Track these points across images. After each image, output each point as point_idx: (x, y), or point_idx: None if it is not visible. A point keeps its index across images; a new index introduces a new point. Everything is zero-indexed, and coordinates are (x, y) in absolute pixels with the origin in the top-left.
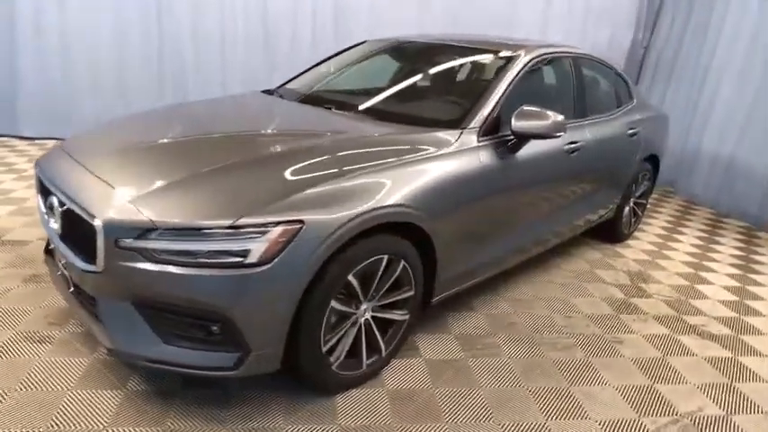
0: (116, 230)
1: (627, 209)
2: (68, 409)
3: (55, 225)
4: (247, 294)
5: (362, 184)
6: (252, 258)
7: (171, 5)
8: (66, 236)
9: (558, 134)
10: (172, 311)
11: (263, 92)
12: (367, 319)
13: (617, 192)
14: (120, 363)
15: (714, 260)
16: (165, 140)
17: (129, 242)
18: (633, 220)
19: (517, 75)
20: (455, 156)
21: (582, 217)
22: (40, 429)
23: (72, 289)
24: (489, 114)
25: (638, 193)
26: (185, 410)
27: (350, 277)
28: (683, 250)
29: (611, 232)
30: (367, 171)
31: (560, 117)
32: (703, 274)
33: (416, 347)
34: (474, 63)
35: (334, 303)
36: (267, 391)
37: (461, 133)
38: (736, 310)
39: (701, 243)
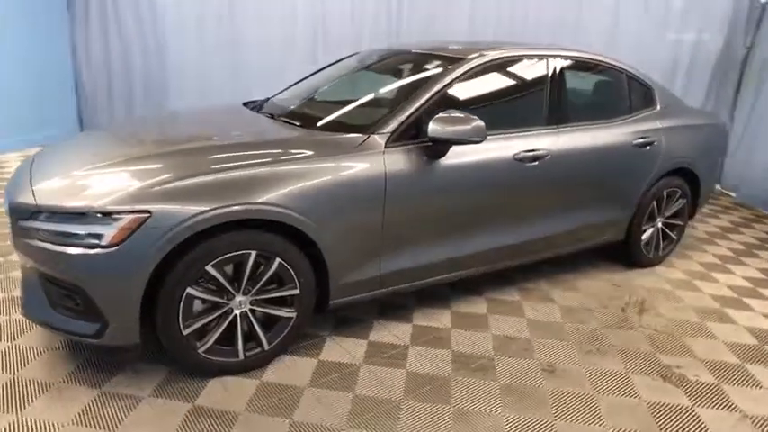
0: (16, 212)
1: (651, 230)
2: None
3: None
4: (99, 272)
5: (228, 181)
6: (104, 241)
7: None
8: None
9: (477, 140)
10: (53, 282)
11: (244, 103)
12: (245, 311)
13: (622, 209)
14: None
15: (761, 296)
16: (104, 143)
17: (22, 222)
18: (664, 243)
19: (452, 81)
20: (352, 159)
21: (563, 235)
22: None
23: None
24: (406, 120)
25: (668, 213)
26: (77, 373)
27: (209, 268)
28: (725, 282)
29: (627, 256)
30: (236, 169)
31: (480, 122)
32: (731, 311)
33: (318, 348)
34: (420, 70)
35: (192, 290)
36: (159, 366)
37: (367, 138)
38: (743, 357)
39: (761, 277)
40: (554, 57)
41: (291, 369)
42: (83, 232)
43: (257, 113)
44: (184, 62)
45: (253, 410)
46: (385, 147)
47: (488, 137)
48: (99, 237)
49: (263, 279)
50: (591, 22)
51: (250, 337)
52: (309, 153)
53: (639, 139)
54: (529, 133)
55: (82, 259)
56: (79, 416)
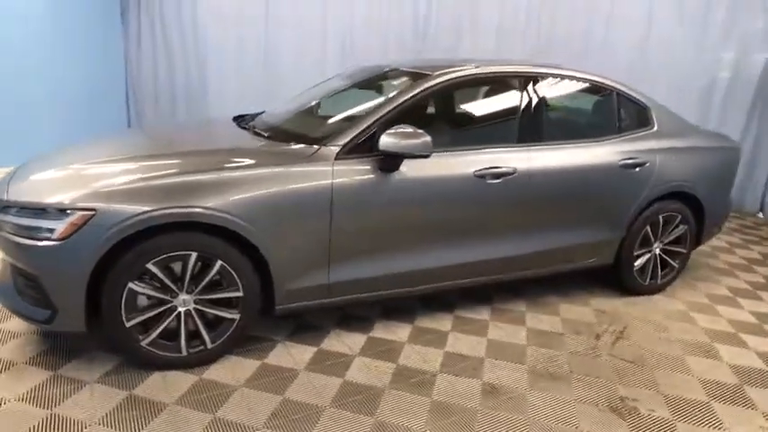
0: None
1: (647, 256)
2: None
3: None
4: (50, 263)
5: (171, 185)
6: (55, 235)
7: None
8: None
9: (424, 154)
10: (20, 273)
11: (241, 115)
12: (189, 309)
13: (609, 232)
14: None
15: (764, 332)
16: (91, 147)
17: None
18: (664, 271)
19: (411, 97)
20: (299, 169)
21: (538, 255)
22: None
23: None
24: (361, 133)
25: (667, 239)
26: (41, 356)
27: (149, 265)
28: (728, 317)
29: (619, 282)
30: (182, 175)
31: (427, 138)
32: (720, 346)
33: (267, 351)
34: (390, 87)
35: (133, 286)
36: (114, 356)
37: (318, 149)
38: (713, 395)
39: None
40: (532, 75)
41: (232, 369)
42: (41, 226)
43: (238, 126)
44: (223, 73)
45: (181, 404)
46: (336, 158)
47: (449, 152)
48: (51, 231)
49: (205, 280)
50: (618, 38)
51: (195, 335)
52: (253, 162)
53: (627, 159)
54: (493, 150)
55: (37, 251)
56: (26, 394)
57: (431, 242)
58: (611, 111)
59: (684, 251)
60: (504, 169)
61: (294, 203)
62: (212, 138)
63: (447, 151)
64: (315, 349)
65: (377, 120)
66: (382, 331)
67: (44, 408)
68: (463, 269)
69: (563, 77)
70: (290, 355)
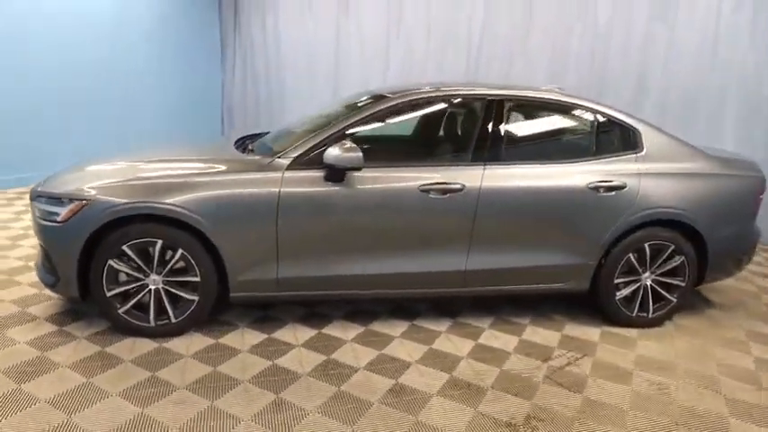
0: (35, 198)
1: (634, 286)
2: None
3: None
4: (54, 240)
5: (147, 185)
6: (59, 218)
7: None
8: None
9: (357, 167)
10: (41, 248)
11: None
12: (158, 288)
13: (580, 257)
14: None
15: (744, 380)
16: (124, 153)
17: (34, 203)
18: (658, 304)
19: (365, 117)
20: (254, 177)
21: (494, 272)
22: None
23: None
24: (313, 148)
25: (660, 270)
26: (57, 316)
27: (124, 247)
28: (725, 361)
29: (600, 311)
30: (158, 178)
31: (359, 153)
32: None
33: (225, 333)
34: (361, 108)
35: (113, 263)
36: (105, 321)
37: (272, 160)
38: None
39: None
40: (495, 97)
41: (189, 343)
42: (54, 211)
43: (227, 141)
44: (298, 90)
45: (135, 362)
46: (286, 169)
47: (399, 167)
48: (57, 215)
49: (170, 264)
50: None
51: (163, 310)
52: (223, 168)
53: (600, 182)
54: (444, 167)
55: (49, 230)
56: (32, 341)
57: (375, 250)
58: (586, 133)
59: (682, 284)
60: (451, 186)
61: (245, 205)
62: (209, 149)
63: (397, 166)
64: (266, 336)
65: (328, 136)
66: (335, 329)
67: (39, 350)
68: (408, 279)
69: (532, 100)
70: (243, 338)
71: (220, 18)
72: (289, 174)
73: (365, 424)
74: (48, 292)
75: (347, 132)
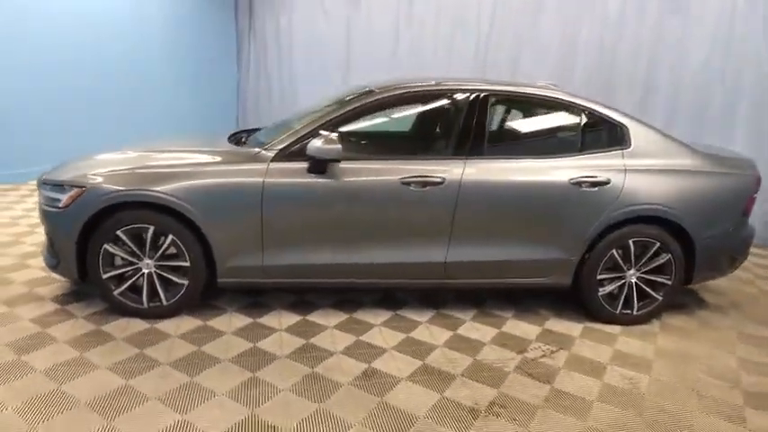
0: (41, 184)
1: (618, 283)
2: None
3: None
4: (56, 224)
5: (140, 174)
6: (60, 204)
7: None
8: None
9: (336, 159)
10: (46, 232)
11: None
12: (151, 272)
13: (561, 252)
14: None
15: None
16: (130, 145)
17: (39, 190)
18: (643, 302)
19: (348, 111)
20: (240, 168)
21: (473, 264)
22: None
23: None
24: (297, 141)
25: (645, 267)
26: (63, 296)
27: (119, 232)
28: (708, 362)
29: (583, 306)
30: (150, 168)
31: (337, 146)
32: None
33: (215, 317)
34: (350, 102)
35: (108, 247)
36: (104, 303)
37: (258, 152)
38: (601, 422)
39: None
40: (478, 92)
41: (179, 324)
42: (56, 197)
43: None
44: (309, 87)
45: (126, 340)
46: (271, 160)
47: (382, 160)
48: (59, 201)
49: (161, 249)
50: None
51: (156, 293)
52: (212, 159)
53: (582, 177)
54: (425, 161)
55: (52, 215)
56: (36, 318)
57: (357, 240)
58: (572, 129)
59: (669, 282)
60: (431, 179)
61: (231, 195)
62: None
63: (381, 159)
64: (251, 321)
65: (312, 130)
66: (319, 316)
67: (41, 326)
68: (389, 269)
69: (517, 96)
70: (230, 322)
71: (236, 18)
72: (273, 165)
73: (332, 402)
74: (53, 274)
75: (331, 126)
